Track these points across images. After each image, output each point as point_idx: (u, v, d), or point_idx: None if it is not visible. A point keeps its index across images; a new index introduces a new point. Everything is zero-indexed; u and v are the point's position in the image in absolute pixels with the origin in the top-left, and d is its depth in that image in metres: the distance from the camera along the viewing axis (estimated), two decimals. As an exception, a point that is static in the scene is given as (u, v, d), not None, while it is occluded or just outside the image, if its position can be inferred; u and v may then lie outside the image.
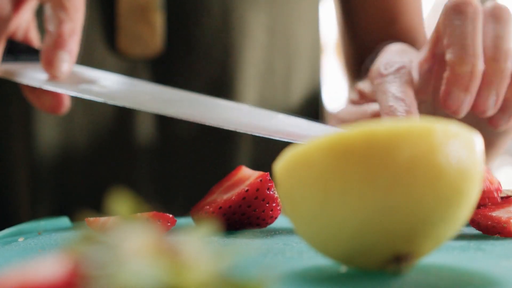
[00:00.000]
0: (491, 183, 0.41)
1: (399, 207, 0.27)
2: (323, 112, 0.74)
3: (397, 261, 0.29)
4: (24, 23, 0.56)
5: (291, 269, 0.31)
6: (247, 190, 0.44)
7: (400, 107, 0.47)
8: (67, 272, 0.19)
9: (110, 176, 0.64)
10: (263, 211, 0.44)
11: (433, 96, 0.52)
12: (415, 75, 0.50)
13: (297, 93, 0.69)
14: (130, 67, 0.63)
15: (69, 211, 0.61)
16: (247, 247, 0.38)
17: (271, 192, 0.44)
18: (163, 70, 0.64)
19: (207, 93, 0.64)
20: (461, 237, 0.40)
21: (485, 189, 0.41)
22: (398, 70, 0.49)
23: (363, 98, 0.57)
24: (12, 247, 0.40)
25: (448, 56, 0.47)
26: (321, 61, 0.73)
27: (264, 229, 0.46)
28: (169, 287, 0.20)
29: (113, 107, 0.63)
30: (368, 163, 0.27)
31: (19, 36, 0.56)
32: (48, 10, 0.51)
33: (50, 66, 0.51)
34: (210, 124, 0.48)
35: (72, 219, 0.53)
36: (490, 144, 0.54)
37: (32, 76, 0.53)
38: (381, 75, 0.49)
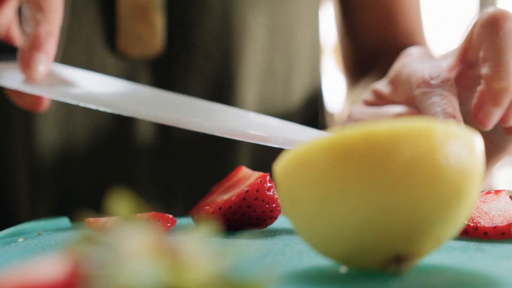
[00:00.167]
0: None
1: (399, 207, 0.27)
2: (323, 113, 0.74)
3: (397, 261, 0.29)
4: (5, 20, 0.55)
5: (291, 269, 0.31)
6: (247, 191, 0.44)
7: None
8: (67, 272, 0.19)
9: (110, 176, 0.64)
10: (263, 212, 0.44)
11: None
12: None
13: (297, 93, 0.69)
14: (130, 68, 0.63)
15: (69, 211, 0.61)
16: (247, 247, 0.38)
17: (271, 193, 0.44)
18: (163, 70, 0.64)
19: (207, 93, 0.64)
20: (461, 237, 0.40)
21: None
22: (445, 81, 0.49)
23: (380, 99, 0.57)
24: (12, 247, 0.40)
25: (485, 70, 0.47)
26: (321, 62, 0.73)
27: (264, 229, 0.46)
28: (169, 287, 0.20)
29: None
30: (368, 163, 0.27)
31: (1, 34, 0.56)
32: (25, 10, 0.51)
33: (26, 67, 0.51)
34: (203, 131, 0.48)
35: (72, 219, 0.53)
36: (498, 148, 0.54)
37: (11, 76, 0.52)
38: (428, 85, 0.49)
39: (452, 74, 0.51)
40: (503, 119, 0.49)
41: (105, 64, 0.63)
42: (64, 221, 0.52)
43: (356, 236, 0.28)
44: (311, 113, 0.71)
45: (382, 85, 0.56)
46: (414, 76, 0.50)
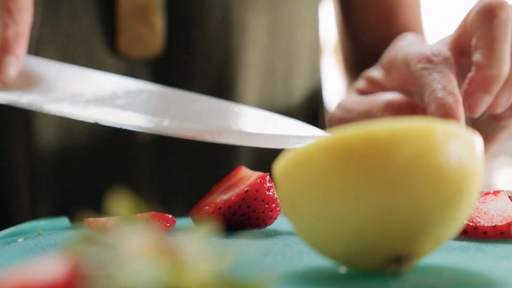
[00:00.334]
0: None
1: (399, 207, 0.27)
2: (323, 113, 0.74)
3: (397, 261, 0.29)
4: None
5: (291, 269, 0.31)
6: (247, 191, 0.44)
7: (450, 100, 0.47)
8: (67, 272, 0.19)
9: (109, 176, 0.64)
10: (263, 212, 0.44)
11: None
12: None
13: (298, 93, 0.69)
14: (130, 68, 0.63)
15: (69, 211, 0.61)
16: (246, 247, 0.38)
17: (270, 193, 0.44)
18: (163, 71, 0.64)
19: (207, 94, 0.64)
20: (462, 237, 0.40)
21: None
22: (446, 60, 0.49)
23: (373, 85, 0.56)
24: (11, 247, 0.40)
25: (476, 57, 0.47)
26: (321, 62, 0.73)
27: (263, 229, 0.46)
28: (169, 287, 0.20)
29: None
30: (368, 163, 0.27)
31: None
32: None
33: None
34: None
35: (72, 219, 0.53)
36: (488, 137, 0.54)
37: None
38: (429, 61, 0.49)
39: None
40: (491, 107, 0.49)
41: (105, 64, 0.63)
42: (64, 221, 0.52)
43: (356, 236, 0.28)
44: (311, 113, 0.71)
45: (375, 71, 0.57)
46: (413, 54, 0.50)
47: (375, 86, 0.57)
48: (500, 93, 0.48)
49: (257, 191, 0.44)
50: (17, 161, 0.64)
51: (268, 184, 0.44)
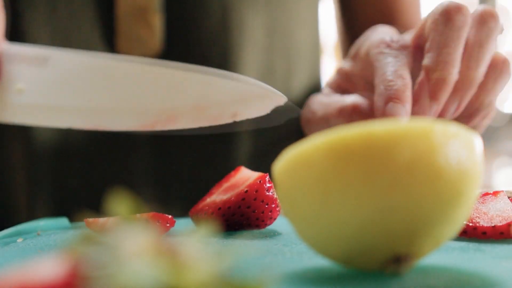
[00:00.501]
0: None
1: (399, 207, 0.27)
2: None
3: (396, 261, 0.29)
4: None
5: (290, 269, 0.31)
6: (246, 191, 0.44)
7: (399, 83, 0.47)
8: (67, 272, 0.19)
9: (109, 176, 0.64)
10: (262, 212, 0.44)
11: None
12: None
13: (297, 93, 0.69)
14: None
15: (68, 211, 0.61)
16: (246, 248, 0.38)
17: (270, 193, 0.44)
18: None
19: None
20: (461, 237, 0.40)
21: None
22: (404, 47, 0.49)
23: (343, 78, 0.56)
24: (11, 247, 0.40)
25: (426, 60, 0.47)
26: (321, 62, 0.73)
27: (263, 230, 0.46)
28: (169, 287, 0.20)
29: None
30: (368, 164, 0.27)
31: None
32: None
33: None
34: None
35: (71, 219, 0.53)
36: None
37: None
38: (387, 45, 0.49)
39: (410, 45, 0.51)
40: (440, 114, 0.48)
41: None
42: (63, 222, 0.52)
43: (356, 237, 0.28)
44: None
45: (348, 63, 0.57)
46: (374, 41, 0.50)
47: (345, 78, 0.57)
48: (449, 100, 0.48)
49: (256, 191, 0.44)
50: (16, 162, 0.64)
51: (268, 185, 0.44)
